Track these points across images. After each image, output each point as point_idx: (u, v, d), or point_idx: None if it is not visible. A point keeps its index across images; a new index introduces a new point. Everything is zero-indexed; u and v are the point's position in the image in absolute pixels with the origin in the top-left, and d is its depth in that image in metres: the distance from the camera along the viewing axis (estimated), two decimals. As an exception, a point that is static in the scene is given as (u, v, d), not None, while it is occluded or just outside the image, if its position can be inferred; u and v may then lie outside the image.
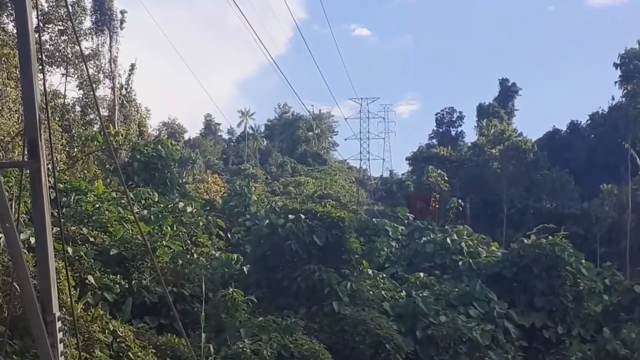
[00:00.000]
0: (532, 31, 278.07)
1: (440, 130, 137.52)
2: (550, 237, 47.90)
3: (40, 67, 8.37)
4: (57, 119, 61.89)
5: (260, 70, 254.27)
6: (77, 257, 28.48)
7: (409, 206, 79.30)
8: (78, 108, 72.26)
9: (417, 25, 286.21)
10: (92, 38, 76.70)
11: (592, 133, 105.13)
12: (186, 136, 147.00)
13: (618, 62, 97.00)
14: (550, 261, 45.96)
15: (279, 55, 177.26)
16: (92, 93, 68.95)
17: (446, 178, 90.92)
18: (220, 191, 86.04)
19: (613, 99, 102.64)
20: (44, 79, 8.66)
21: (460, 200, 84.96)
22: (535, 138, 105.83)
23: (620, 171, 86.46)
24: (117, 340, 24.38)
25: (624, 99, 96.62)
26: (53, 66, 67.89)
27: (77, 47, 67.27)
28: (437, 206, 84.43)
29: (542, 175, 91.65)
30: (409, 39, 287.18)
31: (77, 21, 70.98)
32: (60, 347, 8.03)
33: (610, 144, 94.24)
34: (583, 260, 48.59)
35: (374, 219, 64.78)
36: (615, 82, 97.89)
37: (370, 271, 44.49)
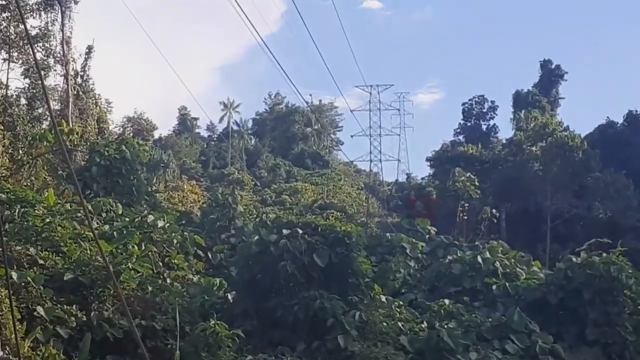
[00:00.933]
0: (580, 4, 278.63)
1: (469, 124, 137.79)
2: (604, 255, 47.76)
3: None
4: (-3, 114, 61.92)
5: (247, 52, 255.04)
6: (23, 284, 28.43)
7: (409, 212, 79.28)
8: (23, 101, 72.31)
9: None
10: (40, 15, 76.69)
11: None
12: (156, 134, 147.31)
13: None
14: (605, 284, 45.86)
15: (270, 34, 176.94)
16: (40, 82, 68.89)
17: (477, 183, 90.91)
18: (199, 201, 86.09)
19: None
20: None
21: (494, 210, 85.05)
22: (585, 133, 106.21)
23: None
24: (74, 385, 24.37)
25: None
26: (-8, 50, 67.96)
27: (22, 27, 67.25)
28: (466, 217, 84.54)
29: (593, 178, 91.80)
30: (430, 12, 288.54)
31: (21, -6, 71.00)
32: (4, 394, 8.04)
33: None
34: (645, 282, 48.57)
35: (387, 234, 64.66)
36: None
37: (383, 298, 44.40)
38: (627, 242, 61.89)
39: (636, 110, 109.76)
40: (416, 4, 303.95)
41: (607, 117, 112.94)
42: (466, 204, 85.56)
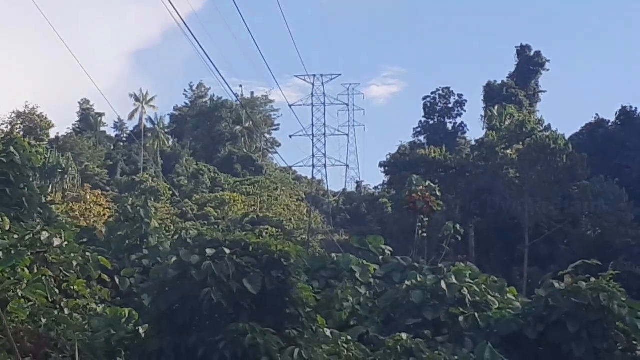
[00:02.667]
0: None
1: (431, 122, 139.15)
2: (593, 279, 48.16)
3: None
4: None
5: (164, 35, 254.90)
6: None
7: (385, 233, 79.49)
8: None
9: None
10: None
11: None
12: (52, 133, 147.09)
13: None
14: (594, 315, 46.15)
15: (192, 12, 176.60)
16: None
17: (438, 193, 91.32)
18: (105, 214, 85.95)
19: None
20: None
21: (457, 226, 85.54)
22: (571, 133, 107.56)
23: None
24: None
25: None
26: None
27: None
28: (426, 234, 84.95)
29: (580, 187, 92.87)
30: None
31: None
32: None
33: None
34: (641, 313, 49.06)
35: (333, 255, 64.88)
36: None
37: (328, 332, 44.35)
38: (620, 264, 62.74)
39: (631, 107, 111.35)
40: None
41: (597, 115, 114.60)
42: (425, 219, 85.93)
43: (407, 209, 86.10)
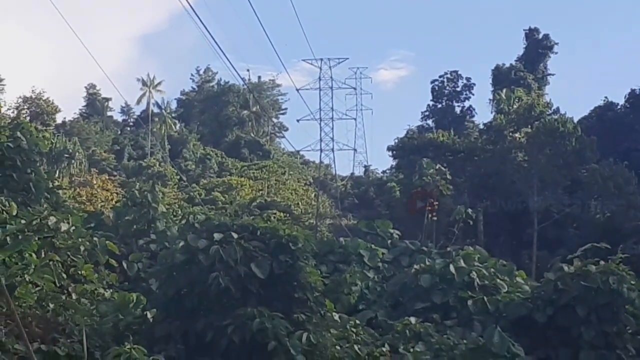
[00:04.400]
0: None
1: (439, 105, 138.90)
2: (602, 263, 48.03)
3: None
4: None
5: (171, 19, 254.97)
6: None
7: (394, 217, 79.39)
8: None
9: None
10: None
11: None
12: (59, 118, 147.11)
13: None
14: (603, 298, 46.12)
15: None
16: None
17: (449, 177, 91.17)
18: (112, 199, 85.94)
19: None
20: None
21: (469, 210, 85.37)
22: (579, 116, 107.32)
23: None
24: None
25: None
26: None
27: None
28: (436, 218, 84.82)
29: (589, 171, 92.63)
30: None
31: None
32: None
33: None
34: (651, 296, 48.90)
35: (341, 239, 64.84)
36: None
37: (336, 316, 44.42)
38: (629, 247, 62.49)
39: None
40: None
41: (606, 98, 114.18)
42: (436, 203, 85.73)
43: (413, 201, 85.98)
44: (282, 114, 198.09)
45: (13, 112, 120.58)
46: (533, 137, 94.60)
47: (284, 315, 38.62)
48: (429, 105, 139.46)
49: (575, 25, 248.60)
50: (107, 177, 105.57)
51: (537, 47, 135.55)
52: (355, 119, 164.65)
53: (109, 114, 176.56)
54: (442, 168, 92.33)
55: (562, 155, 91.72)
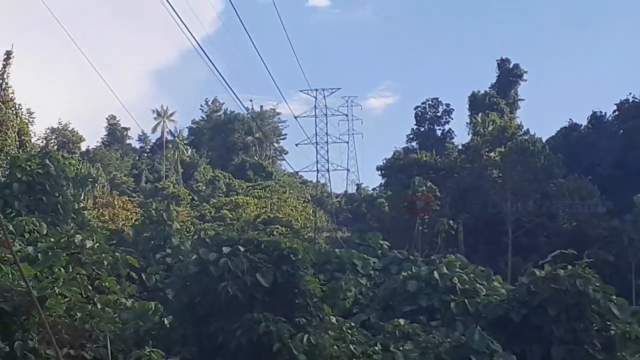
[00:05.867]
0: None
1: (422, 129, 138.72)
2: (570, 267, 48.00)
3: None
4: None
5: (182, 56, 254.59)
6: (-62, 313, 28.17)
7: (383, 229, 79.28)
8: None
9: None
10: (-48, 18, 76.20)
11: (621, 128, 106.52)
12: (83, 146, 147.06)
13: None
14: (571, 299, 46.05)
15: (206, 35, 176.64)
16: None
17: (438, 194, 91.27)
18: (131, 218, 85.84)
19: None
20: None
21: (451, 222, 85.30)
22: (547, 136, 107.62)
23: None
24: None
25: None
26: None
27: None
28: (426, 230, 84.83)
29: (557, 185, 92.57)
30: (381, 11, 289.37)
31: None
32: None
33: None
34: (614, 296, 48.72)
35: (337, 250, 64.85)
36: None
37: (333, 319, 44.29)
38: (593, 252, 62.52)
39: (601, 112, 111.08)
40: (366, 2, 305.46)
41: (570, 120, 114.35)
42: (426, 217, 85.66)
43: (406, 208, 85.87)
44: (282, 139, 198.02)
45: (42, 142, 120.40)
46: (506, 155, 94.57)
47: (286, 319, 38.60)
48: (413, 129, 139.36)
49: (542, 55, 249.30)
50: (127, 199, 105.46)
51: (509, 75, 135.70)
52: (347, 143, 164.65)
53: (127, 142, 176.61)
54: (433, 186, 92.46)
55: (532, 171, 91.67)
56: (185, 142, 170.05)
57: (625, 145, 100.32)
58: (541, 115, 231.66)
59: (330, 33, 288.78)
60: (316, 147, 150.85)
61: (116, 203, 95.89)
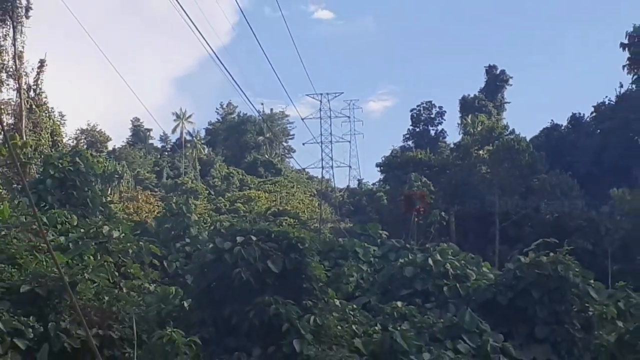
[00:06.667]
0: (523, 10, 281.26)
1: (417, 129, 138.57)
2: (552, 254, 47.93)
3: None
4: (-50, 129, 61.22)
5: (200, 64, 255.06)
6: (-21, 297, 28.22)
7: (382, 220, 79.22)
8: (-24, 115, 71.62)
9: (390, 5, 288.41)
10: (-9, 30, 76.20)
11: (598, 128, 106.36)
12: (110, 146, 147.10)
13: (626, 42, 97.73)
14: (553, 283, 46.02)
15: (222, 45, 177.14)
16: (-8, 96, 68.41)
17: (432, 188, 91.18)
18: (154, 211, 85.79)
19: (621, 86, 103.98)
20: None
21: (443, 213, 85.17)
22: (531, 136, 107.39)
23: (633, 172, 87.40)
24: (32, 396, 24.19)
25: (634, 85, 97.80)
26: (-56, 65, 67.29)
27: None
28: (422, 221, 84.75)
29: (540, 180, 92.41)
30: (381, 23, 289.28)
31: (-28, 10, 70.43)
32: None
33: (619, 140, 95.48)
34: (592, 281, 48.71)
35: (340, 239, 64.71)
36: (624, 66, 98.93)
37: (337, 302, 44.27)
38: (573, 241, 62.42)
39: (579, 113, 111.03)
40: (367, 14, 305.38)
41: (552, 120, 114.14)
42: (422, 209, 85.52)
43: (403, 203, 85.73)
44: (290, 138, 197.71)
45: (73, 142, 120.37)
46: (494, 153, 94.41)
47: (294, 302, 38.57)
48: (409, 129, 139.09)
49: (526, 62, 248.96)
50: (149, 193, 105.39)
51: (496, 80, 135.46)
52: (349, 142, 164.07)
53: (150, 141, 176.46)
54: (427, 181, 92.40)
55: (517, 167, 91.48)
56: (202, 141, 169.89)
57: (602, 144, 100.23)
58: (525, 117, 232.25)
59: (334, 42, 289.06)
60: (321, 146, 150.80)
61: (140, 197, 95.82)
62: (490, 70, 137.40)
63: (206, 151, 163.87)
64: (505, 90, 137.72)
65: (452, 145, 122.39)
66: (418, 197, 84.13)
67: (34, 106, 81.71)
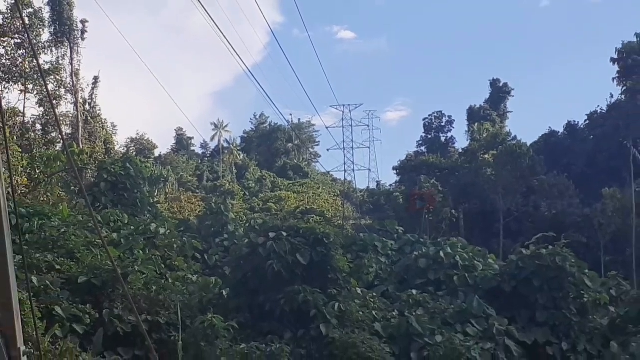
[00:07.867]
0: (524, 28, 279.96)
1: (429, 136, 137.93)
2: (550, 247, 47.81)
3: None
4: (16, 138, 61.67)
5: (236, 79, 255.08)
6: (42, 287, 28.37)
7: (398, 218, 79.10)
8: (38, 126, 72.14)
9: (404, 26, 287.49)
10: (51, 51, 76.65)
11: (591, 134, 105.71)
12: (156, 152, 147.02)
13: (615, 57, 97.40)
14: (552, 273, 45.89)
15: (255, 63, 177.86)
16: (52, 110, 68.78)
17: (440, 188, 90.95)
18: (195, 210, 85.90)
19: (612, 96, 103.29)
20: None
21: (453, 211, 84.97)
22: (531, 141, 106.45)
23: (623, 173, 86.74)
24: (89, 374, 24.29)
25: (623, 96, 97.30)
26: (10, 82, 67.74)
27: (36, 62, 67.13)
28: (431, 218, 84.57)
29: (539, 181, 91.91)
30: (397, 40, 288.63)
31: (34, 33, 70.86)
32: (27, 384, 7.96)
33: (610, 145, 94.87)
34: (586, 270, 48.52)
35: (361, 234, 64.68)
36: (614, 79, 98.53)
37: (359, 290, 44.35)
38: (569, 235, 62.08)
39: (574, 121, 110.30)
40: (385, 34, 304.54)
41: (550, 127, 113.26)
42: (431, 207, 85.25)
43: (413, 200, 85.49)
44: (316, 145, 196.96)
45: (123, 149, 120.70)
46: (498, 157, 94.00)
47: (321, 290, 38.70)
48: (422, 136, 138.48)
49: (527, 75, 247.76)
50: (191, 194, 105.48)
51: (499, 92, 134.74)
52: (369, 148, 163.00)
53: (192, 148, 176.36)
54: (435, 182, 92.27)
55: (519, 170, 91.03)
56: (238, 148, 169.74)
57: (595, 149, 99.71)
58: (526, 124, 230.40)
59: (355, 59, 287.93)
60: (344, 152, 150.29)
61: (183, 198, 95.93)
62: (494, 83, 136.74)
63: (241, 157, 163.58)
64: (507, 101, 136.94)
65: (460, 150, 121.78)
66: (427, 196, 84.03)
67: (89, 118, 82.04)
